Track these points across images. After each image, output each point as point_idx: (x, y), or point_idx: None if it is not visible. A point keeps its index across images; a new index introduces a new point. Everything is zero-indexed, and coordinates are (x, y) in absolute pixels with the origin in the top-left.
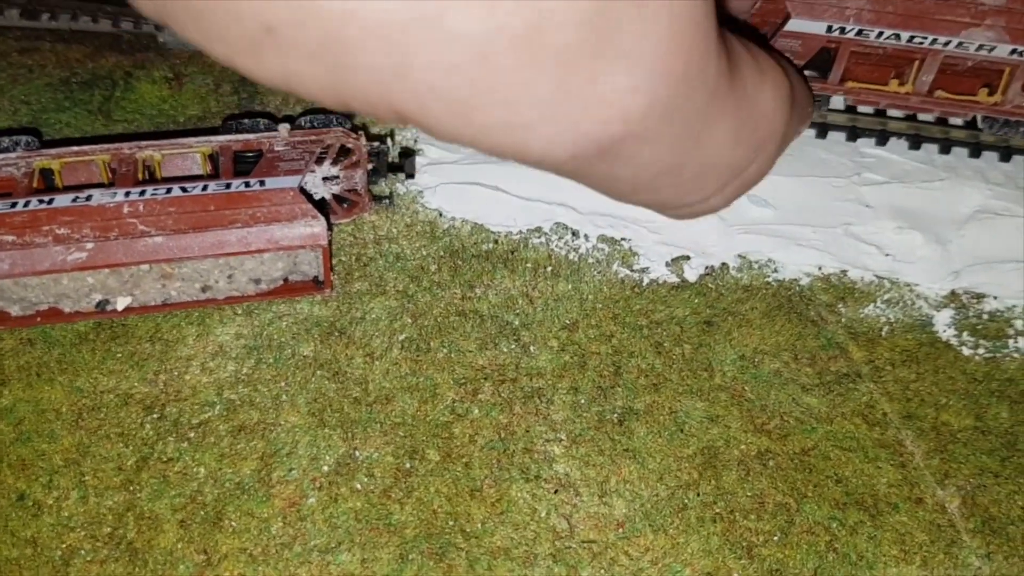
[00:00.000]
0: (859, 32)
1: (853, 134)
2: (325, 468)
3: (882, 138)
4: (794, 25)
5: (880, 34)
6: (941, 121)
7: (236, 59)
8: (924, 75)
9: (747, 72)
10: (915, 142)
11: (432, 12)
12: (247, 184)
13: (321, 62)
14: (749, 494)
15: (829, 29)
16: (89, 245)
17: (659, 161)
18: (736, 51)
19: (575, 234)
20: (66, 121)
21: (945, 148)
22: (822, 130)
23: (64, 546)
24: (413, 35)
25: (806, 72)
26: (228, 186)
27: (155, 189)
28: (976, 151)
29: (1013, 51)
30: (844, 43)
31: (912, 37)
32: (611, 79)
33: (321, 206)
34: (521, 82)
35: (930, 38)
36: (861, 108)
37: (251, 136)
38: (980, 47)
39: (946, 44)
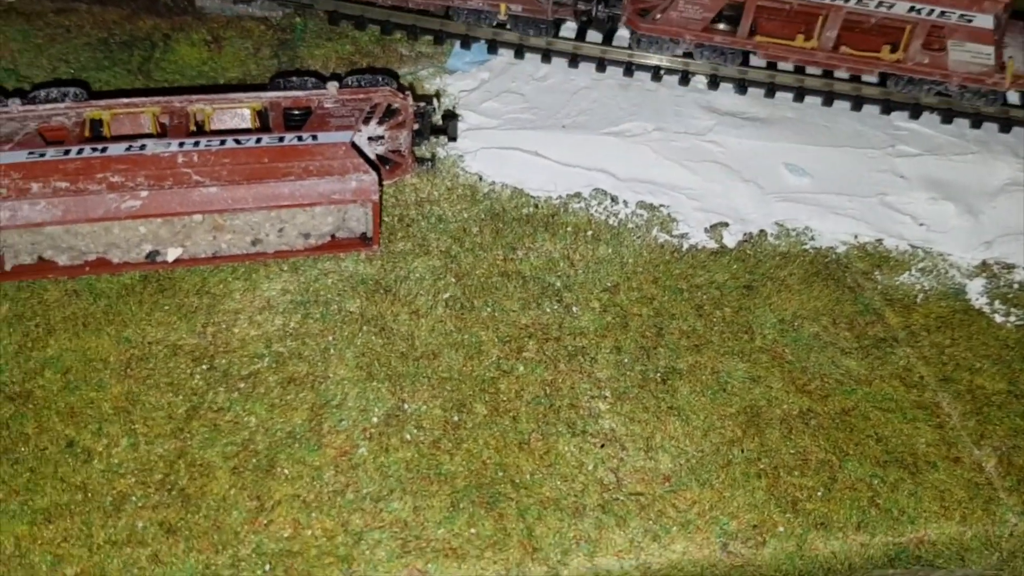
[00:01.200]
0: None
1: (887, 107)
2: (375, 419)
3: (915, 111)
4: None
5: None
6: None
7: None
8: (828, 31)
9: None
10: (947, 116)
11: None
12: (299, 138)
13: None
14: (792, 451)
15: None
16: (143, 193)
17: None
18: None
19: (614, 200)
20: (106, 80)
21: (976, 123)
22: (857, 103)
23: (115, 492)
24: None
25: (720, 26)
26: (281, 139)
27: (209, 140)
28: (1006, 126)
29: (911, 8)
30: None
31: None
32: None
33: (371, 163)
34: None
35: None
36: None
37: (300, 93)
38: (879, 4)
39: (846, 0)
